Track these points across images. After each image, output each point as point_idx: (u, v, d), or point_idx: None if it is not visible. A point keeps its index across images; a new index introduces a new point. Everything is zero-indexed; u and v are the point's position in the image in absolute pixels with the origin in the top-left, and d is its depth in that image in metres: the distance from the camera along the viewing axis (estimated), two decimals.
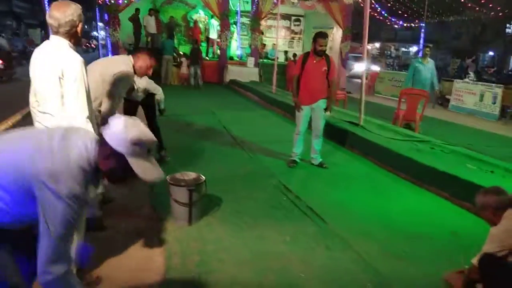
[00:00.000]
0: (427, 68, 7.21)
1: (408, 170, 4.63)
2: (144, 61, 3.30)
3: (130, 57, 3.30)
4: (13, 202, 1.43)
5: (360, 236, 3.18)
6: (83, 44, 24.18)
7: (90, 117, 2.30)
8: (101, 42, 21.40)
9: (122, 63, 3.20)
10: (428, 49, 7.54)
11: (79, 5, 2.25)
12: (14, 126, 5.00)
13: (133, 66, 3.24)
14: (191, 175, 3.36)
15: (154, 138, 1.53)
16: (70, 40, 2.25)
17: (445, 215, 3.69)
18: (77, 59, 2.22)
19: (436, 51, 25.21)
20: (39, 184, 1.39)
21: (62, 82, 2.20)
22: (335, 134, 6.21)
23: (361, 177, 4.72)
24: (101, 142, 1.48)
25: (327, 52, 4.77)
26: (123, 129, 1.45)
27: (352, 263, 2.80)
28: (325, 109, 4.82)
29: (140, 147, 1.46)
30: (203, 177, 3.31)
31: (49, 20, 2.18)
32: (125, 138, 1.44)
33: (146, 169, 1.49)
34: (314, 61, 4.64)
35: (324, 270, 2.70)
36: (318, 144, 4.91)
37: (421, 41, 12.48)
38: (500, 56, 26.88)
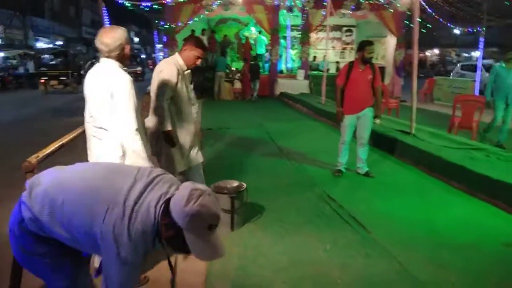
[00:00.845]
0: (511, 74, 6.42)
1: (460, 179, 4.43)
2: (189, 51, 3.18)
3: (177, 54, 3.26)
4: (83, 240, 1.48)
5: (402, 244, 3.12)
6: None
7: (139, 130, 2.49)
8: None
9: (168, 66, 3.14)
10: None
11: (125, 28, 2.49)
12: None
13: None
14: (233, 183, 3.51)
15: (219, 214, 1.40)
16: (119, 61, 2.47)
17: (497, 225, 3.48)
18: (127, 78, 2.43)
19: (501, 55, 23.61)
20: (102, 236, 1.39)
21: (113, 100, 2.40)
22: (385, 143, 6.09)
23: (409, 186, 4.59)
24: (167, 207, 1.39)
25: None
26: (184, 200, 1.34)
27: (391, 271, 2.76)
28: (375, 117, 4.79)
29: (198, 223, 1.35)
30: (244, 185, 3.44)
31: (99, 45, 2.40)
32: (184, 210, 1.34)
33: (202, 248, 1.38)
34: (360, 70, 4.64)
35: (362, 277, 2.69)
36: (364, 153, 4.86)
37: (480, 45, 11.78)
38: None
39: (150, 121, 3.18)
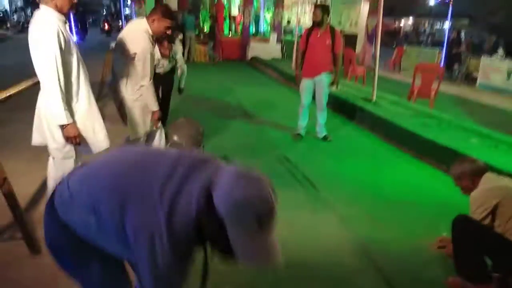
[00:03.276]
0: None
1: (411, 145, 4.69)
2: (157, 22, 3.04)
3: (145, 22, 3.07)
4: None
5: (347, 202, 3.35)
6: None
7: (64, 98, 2.33)
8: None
9: (141, 39, 3.02)
10: None
11: None
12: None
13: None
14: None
15: (273, 207, 1.09)
16: (59, 9, 2.31)
17: (438, 187, 3.76)
18: (50, 29, 2.23)
19: (471, 27, 24.07)
20: (135, 235, 1.14)
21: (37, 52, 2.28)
22: (346, 109, 6.29)
23: (363, 150, 4.82)
24: (210, 197, 1.09)
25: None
26: (230, 186, 1.06)
27: (333, 225, 2.98)
28: (332, 83, 4.90)
29: (245, 216, 1.05)
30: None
31: None
32: (227, 199, 1.05)
33: (248, 249, 1.08)
34: (318, 35, 4.71)
35: (306, 231, 2.90)
36: (322, 117, 5.02)
37: (449, 16, 11.96)
38: None
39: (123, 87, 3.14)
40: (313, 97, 5.00)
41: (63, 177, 1.34)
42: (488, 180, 2.41)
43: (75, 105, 2.51)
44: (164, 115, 4.62)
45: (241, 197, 1.04)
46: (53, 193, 1.31)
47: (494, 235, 2.22)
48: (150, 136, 3.42)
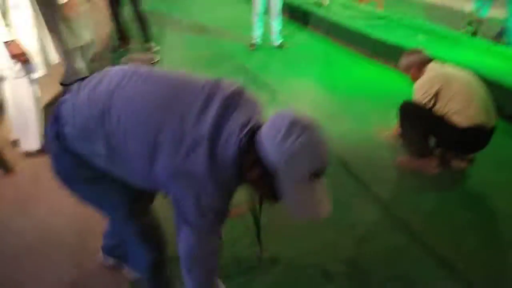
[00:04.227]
0: None
1: (363, 45, 4.85)
2: None
3: None
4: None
5: (301, 99, 3.61)
6: None
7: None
8: None
9: None
10: None
11: None
12: None
13: None
14: (145, 55, 3.53)
15: (326, 159, 1.02)
16: None
17: (388, 81, 4.03)
18: None
19: None
20: (174, 176, 1.05)
21: None
22: (300, 15, 6.25)
23: (319, 54, 4.95)
24: (252, 138, 1.02)
25: None
26: (282, 134, 0.96)
27: None
28: None
29: (297, 167, 0.97)
30: (157, 58, 3.49)
31: None
32: (280, 147, 0.96)
33: (297, 200, 1.02)
34: None
35: None
36: (277, 24, 4.99)
37: None
38: None
39: None
40: (266, 8, 4.91)
41: (67, 100, 1.16)
42: (433, 68, 2.62)
43: (15, 20, 2.38)
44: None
45: (295, 150, 0.95)
46: (56, 119, 1.16)
47: (435, 116, 2.49)
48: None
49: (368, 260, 1.92)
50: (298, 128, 0.96)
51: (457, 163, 2.67)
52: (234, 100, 1.07)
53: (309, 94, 3.75)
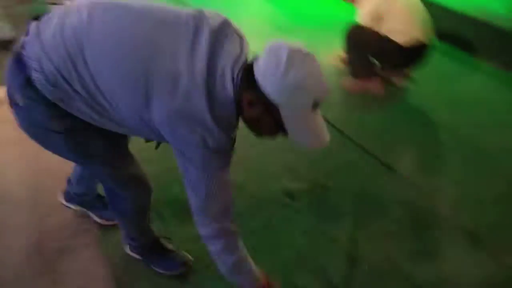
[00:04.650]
0: None
1: None
2: None
3: None
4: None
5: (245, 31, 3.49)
6: None
7: None
8: None
9: None
10: None
11: None
12: None
13: None
14: None
15: (327, 86, 1.00)
16: None
17: (338, 14, 4.00)
18: None
19: None
20: (169, 122, 0.99)
21: None
22: None
23: None
24: (248, 75, 0.97)
25: None
26: (283, 66, 0.91)
27: None
28: None
29: (302, 99, 0.95)
30: None
31: None
32: (283, 80, 0.92)
33: (302, 131, 1.00)
34: None
35: None
36: None
37: None
38: None
39: None
40: None
41: (29, 42, 1.02)
42: None
43: None
44: None
45: (299, 82, 0.92)
46: (21, 65, 1.01)
47: (378, 37, 2.57)
48: None
49: (326, 177, 2.06)
50: (297, 59, 0.93)
51: (398, 80, 2.84)
52: (222, 34, 1.01)
53: (257, 23, 3.71)
